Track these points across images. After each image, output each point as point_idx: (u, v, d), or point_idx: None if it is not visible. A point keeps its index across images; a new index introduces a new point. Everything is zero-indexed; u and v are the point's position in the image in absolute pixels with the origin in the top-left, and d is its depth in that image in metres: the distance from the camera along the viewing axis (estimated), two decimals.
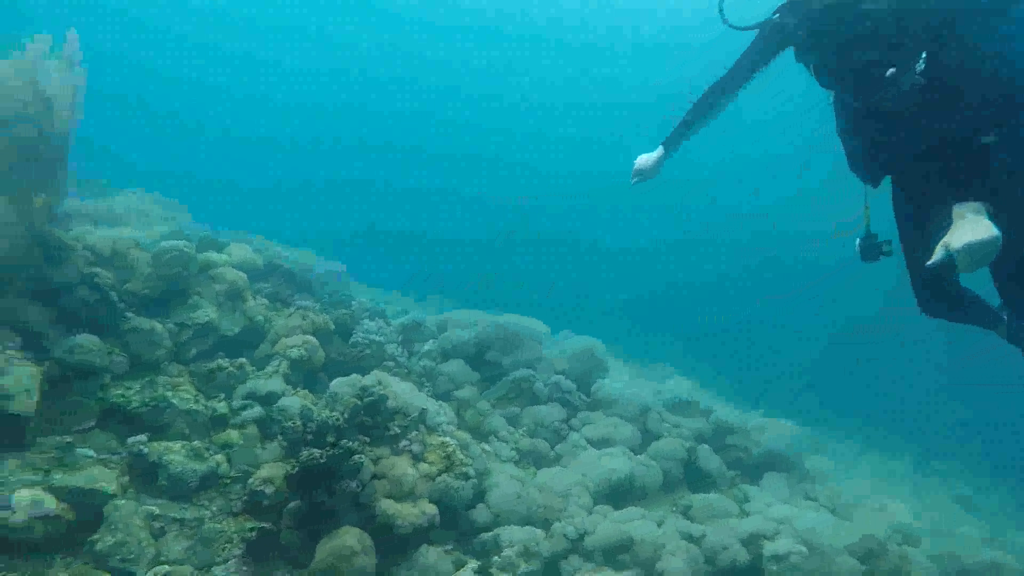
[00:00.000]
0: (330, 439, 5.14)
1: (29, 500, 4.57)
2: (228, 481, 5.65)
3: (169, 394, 5.86)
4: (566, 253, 32.33)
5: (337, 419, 5.13)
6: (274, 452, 5.84)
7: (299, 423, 5.16)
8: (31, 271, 6.09)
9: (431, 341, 8.49)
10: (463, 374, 7.91)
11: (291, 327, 7.45)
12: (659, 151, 4.40)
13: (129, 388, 5.99)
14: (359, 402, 5.38)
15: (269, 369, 6.94)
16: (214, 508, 5.40)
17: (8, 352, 5.12)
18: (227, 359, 6.94)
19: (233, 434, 5.98)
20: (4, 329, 5.63)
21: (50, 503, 4.63)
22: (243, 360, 6.83)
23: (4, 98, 5.46)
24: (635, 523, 5.75)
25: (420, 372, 7.94)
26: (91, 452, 5.31)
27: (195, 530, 5.12)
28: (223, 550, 5.04)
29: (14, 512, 4.48)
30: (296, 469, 5.01)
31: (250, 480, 5.49)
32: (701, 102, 4.23)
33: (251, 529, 5.14)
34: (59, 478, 4.86)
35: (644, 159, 4.38)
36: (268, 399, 6.48)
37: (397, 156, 37.12)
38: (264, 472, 5.49)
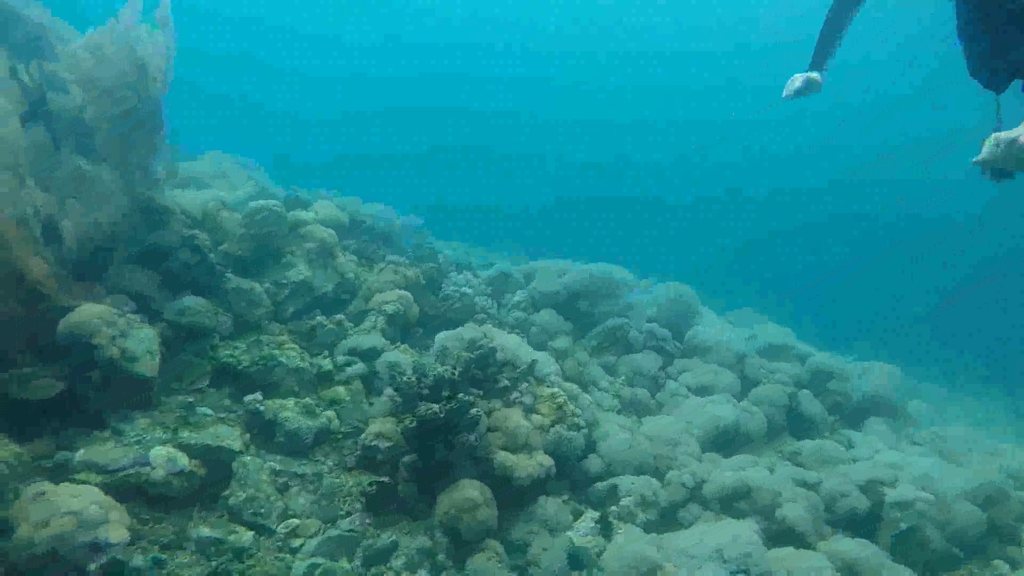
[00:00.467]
0: (445, 393, 5.10)
1: (165, 457, 4.67)
2: (340, 436, 5.69)
3: (276, 352, 5.91)
4: (641, 209, 31.93)
5: (452, 373, 5.08)
6: (382, 407, 5.87)
7: (414, 378, 5.13)
8: (135, 236, 6.16)
9: (520, 292, 8.39)
10: (556, 324, 7.81)
11: (383, 282, 7.43)
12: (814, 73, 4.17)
13: (236, 348, 6.06)
14: (471, 356, 5.31)
15: (366, 325, 6.94)
16: (329, 463, 5.46)
17: (128, 316, 5.19)
18: (324, 316, 6.98)
19: (340, 390, 6.01)
20: (118, 294, 5.73)
21: (183, 460, 4.72)
22: (341, 317, 6.85)
23: (105, 67, 5.44)
24: (749, 471, 5.61)
25: (512, 323, 7.87)
26: (209, 411, 5.40)
27: (315, 485, 5.18)
28: (344, 504, 5.10)
29: (153, 469, 4.59)
30: (413, 424, 4.99)
31: (362, 435, 5.53)
32: (834, 18, 3.98)
33: (370, 484, 5.18)
34: (187, 436, 4.96)
35: (802, 76, 4.15)
36: (369, 355, 6.49)
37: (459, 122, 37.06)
38: (376, 427, 5.51)
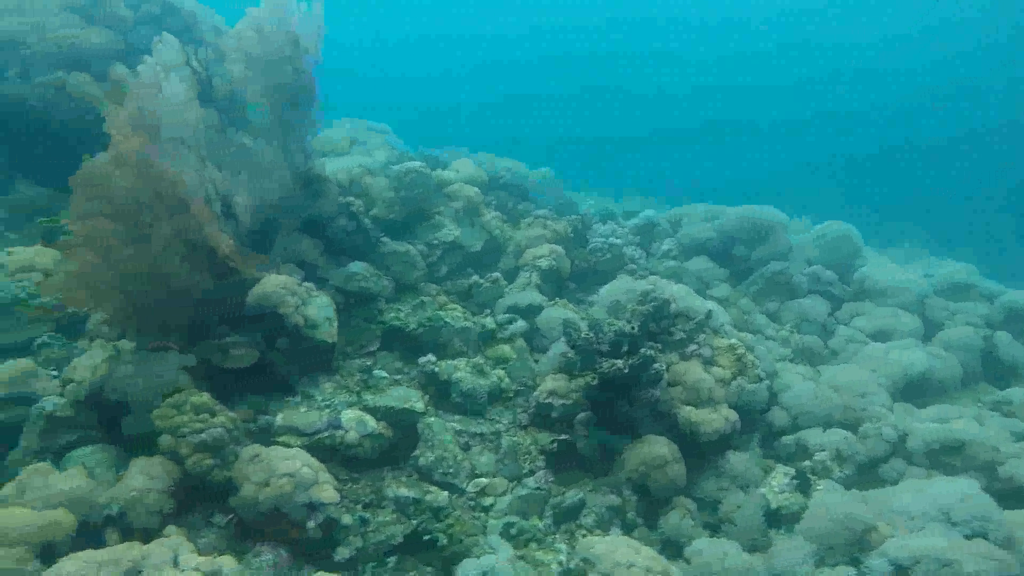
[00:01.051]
0: (624, 349, 4.95)
1: (355, 420, 4.79)
2: (511, 395, 5.68)
3: (442, 314, 5.92)
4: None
5: (631, 328, 4.91)
6: (549, 364, 5.80)
7: (591, 334, 5.00)
8: (296, 207, 6.29)
9: (668, 240, 8.09)
10: (711, 271, 7.49)
11: (532, 237, 7.32)
12: None
13: (400, 310, 6.13)
14: (648, 309, 5.12)
15: (520, 281, 6.87)
16: (504, 422, 5.45)
17: (305, 284, 5.32)
18: (477, 275, 6.96)
19: (506, 349, 5.98)
20: (288, 264, 5.89)
21: (371, 423, 4.83)
22: (497, 275, 6.80)
23: (266, 43, 5.49)
24: (956, 423, 5.18)
25: (664, 273, 7.59)
26: (384, 373, 5.50)
27: (495, 444, 5.19)
28: (527, 462, 5.09)
29: (346, 432, 4.71)
30: (595, 380, 4.88)
31: (535, 393, 5.49)
32: None
33: (552, 442, 5.13)
34: (370, 399, 5.06)
35: None
36: (529, 312, 6.42)
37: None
38: (548, 384, 5.45)
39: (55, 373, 5.00)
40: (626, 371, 4.74)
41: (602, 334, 4.99)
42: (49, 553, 3.71)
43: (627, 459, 4.87)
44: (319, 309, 5.22)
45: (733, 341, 5.40)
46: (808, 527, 4.30)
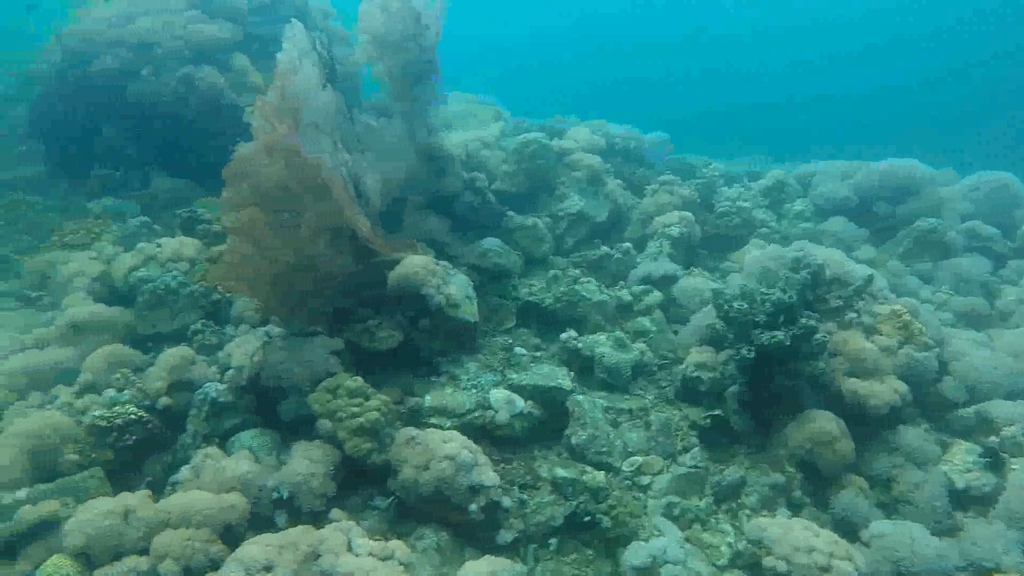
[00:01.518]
0: (781, 319, 4.65)
1: (504, 399, 4.72)
2: (655, 369, 5.48)
3: (578, 287, 5.76)
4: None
5: (790, 297, 4.60)
6: (691, 336, 5.56)
7: (744, 304, 4.73)
8: (422, 184, 6.25)
9: (800, 200, 7.62)
10: (852, 232, 7.00)
11: (660, 204, 7.04)
12: None
13: (533, 285, 6.01)
14: (804, 276, 4.80)
15: (651, 250, 6.63)
16: (650, 397, 5.27)
17: (442, 263, 5.27)
18: (605, 246, 6.76)
19: (644, 321, 5.78)
20: (420, 243, 5.86)
21: (520, 401, 4.75)
22: (627, 245, 6.58)
23: (393, 21, 5.41)
24: None
25: (800, 236, 7.15)
26: (523, 350, 5.40)
27: (644, 420, 5.02)
28: (679, 439, 4.90)
29: (496, 411, 4.65)
30: (752, 353, 4.61)
31: (682, 366, 5.27)
32: None
33: (705, 417, 4.92)
34: (516, 377, 4.98)
35: None
36: (663, 282, 6.18)
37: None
38: (695, 357, 5.22)
39: (211, 359, 5.18)
40: (788, 343, 4.45)
41: (756, 304, 4.70)
42: (228, 535, 3.83)
43: (789, 435, 4.60)
44: (459, 288, 5.16)
45: (897, 307, 4.99)
46: (1010, 511, 3.93)
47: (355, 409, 4.27)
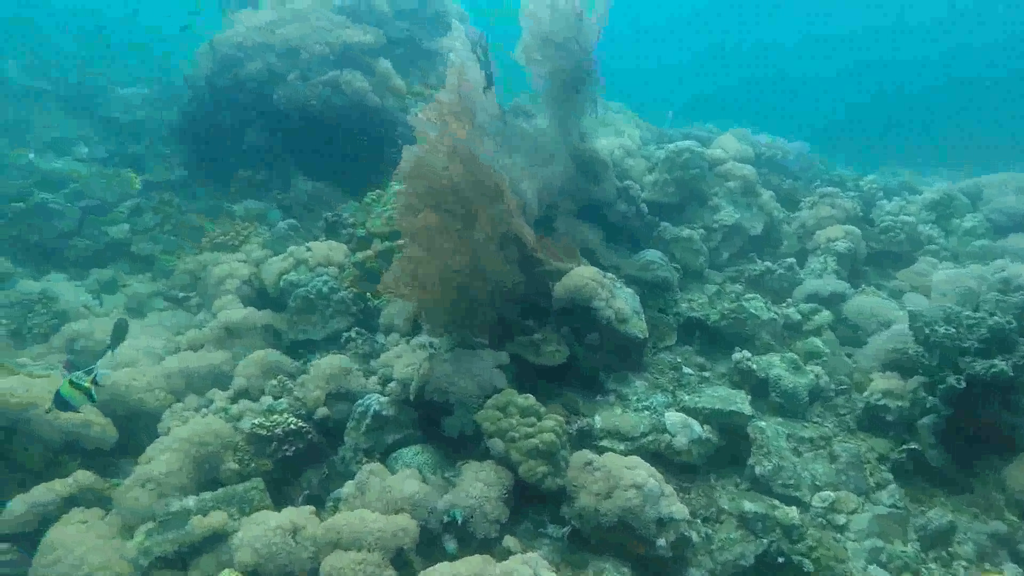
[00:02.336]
0: (993, 347, 4.14)
1: (681, 423, 4.39)
2: (832, 394, 5.03)
3: (745, 304, 5.37)
4: None
5: (1009, 322, 4.10)
6: (872, 359, 5.09)
7: (951, 329, 4.25)
8: (576, 192, 6.00)
9: (970, 215, 6.98)
10: None
11: (820, 217, 6.56)
12: None
13: (693, 300, 5.68)
14: (1021, 299, 4.27)
15: (815, 266, 6.17)
16: (829, 425, 4.83)
17: (608, 275, 5.00)
18: (762, 260, 6.34)
19: (816, 342, 5.34)
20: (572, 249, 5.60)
21: (697, 426, 4.41)
22: (791, 260, 6.14)
23: (558, 21, 5.19)
24: None
25: (975, 254, 6.53)
26: (690, 370, 5.06)
27: (827, 450, 4.59)
28: (870, 473, 4.45)
29: (674, 436, 4.32)
30: (962, 382, 4.12)
31: (865, 393, 4.82)
32: None
33: (900, 451, 4.45)
34: (688, 398, 4.65)
35: None
36: (832, 300, 5.72)
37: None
38: (880, 383, 4.76)
39: (364, 368, 5.06)
40: (1012, 373, 3.95)
41: (964, 329, 4.21)
42: (397, 559, 3.63)
43: (1009, 477, 4.09)
44: (627, 301, 4.87)
45: None
46: None
47: (528, 429, 4.02)
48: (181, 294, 6.72)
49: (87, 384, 3.84)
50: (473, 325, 4.63)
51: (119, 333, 4.88)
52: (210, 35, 8.35)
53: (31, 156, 8.50)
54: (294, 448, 4.33)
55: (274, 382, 4.91)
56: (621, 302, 4.81)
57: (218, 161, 8.13)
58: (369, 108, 7.26)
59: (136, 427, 4.79)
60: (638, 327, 4.81)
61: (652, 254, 5.59)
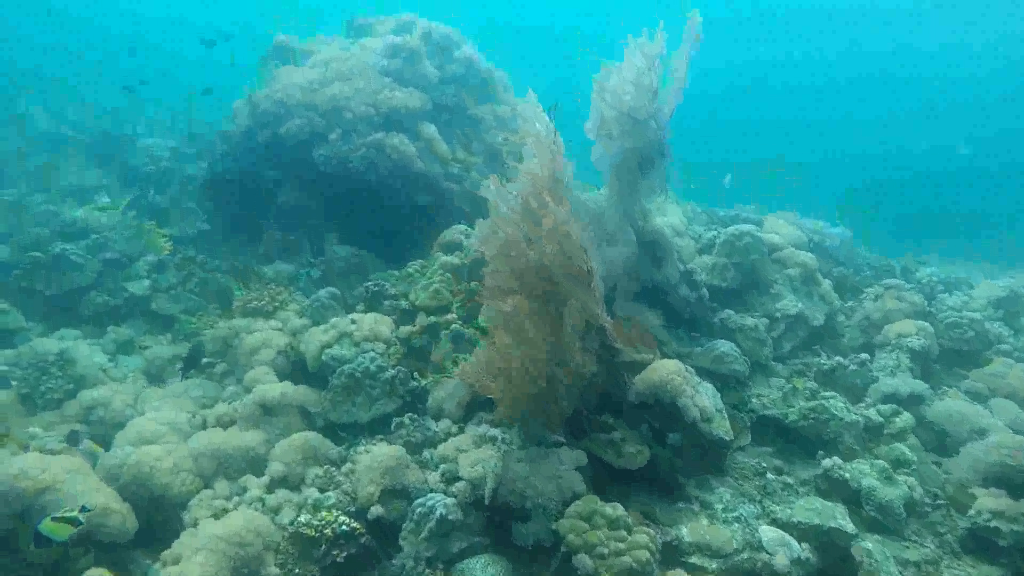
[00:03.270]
0: None
1: (778, 540, 3.95)
2: (928, 509, 4.61)
3: (827, 403, 4.99)
4: None
5: None
6: (969, 471, 4.71)
7: None
8: (638, 273, 5.68)
9: None
10: None
11: (886, 311, 6.26)
12: None
13: (763, 395, 5.29)
14: None
15: (887, 363, 5.83)
16: (931, 545, 4.39)
17: (686, 374, 4.61)
18: (835, 355, 6.01)
19: (902, 448, 4.94)
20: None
21: (794, 543, 3.96)
22: (865, 356, 5.80)
23: (640, 96, 4.96)
24: None
25: None
26: (772, 475, 4.64)
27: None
28: None
29: (772, 555, 3.87)
30: None
31: (970, 512, 4.41)
32: None
33: None
34: (778, 510, 4.22)
35: None
36: (911, 401, 5.36)
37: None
38: (989, 503, 4.35)
39: (417, 459, 4.59)
40: None
41: None
42: None
43: None
44: (709, 398, 4.48)
45: None
46: None
47: (619, 545, 3.58)
48: (204, 359, 6.25)
49: (74, 513, 3.45)
50: (549, 418, 4.21)
51: (195, 355, 4.41)
52: (231, 94, 8.16)
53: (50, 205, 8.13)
54: (345, 553, 3.82)
55: (319, 471, 4.43)
56: (705, 399, 4.42)
57: (247, 218, 7.77)
58: (413, 173, 6.97)
59: (159, 514, 4.28)
60: (723, 428, 4.41)
61: (725, 345, 5.22)
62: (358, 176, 6.91)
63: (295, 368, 5.55)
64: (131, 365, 6.29)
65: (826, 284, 6.56)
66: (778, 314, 6.09)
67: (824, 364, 5.70)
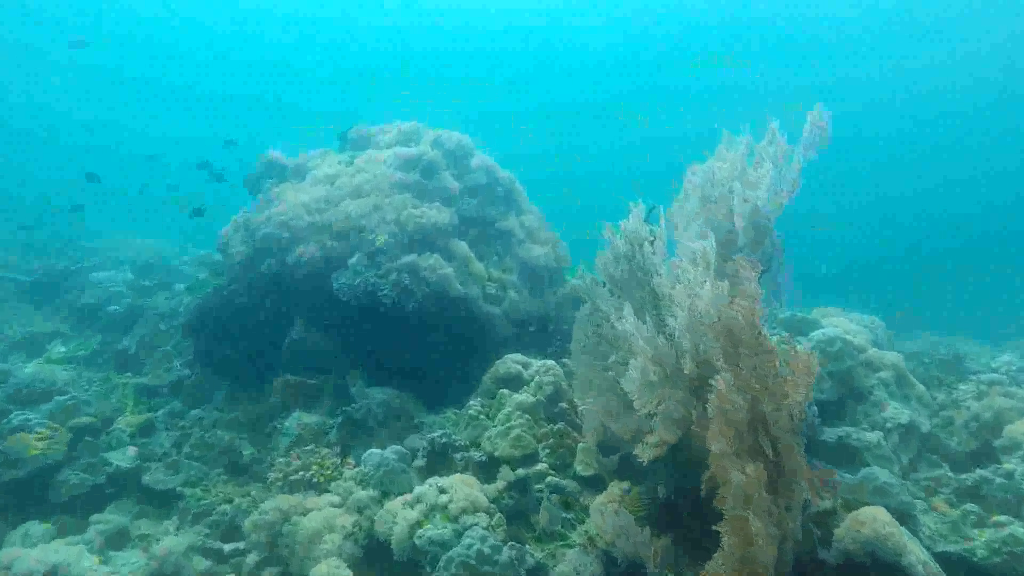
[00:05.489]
0: None
1: None
2: None
3: (1017, 532, 4.33)
4: None
5: None
6: None
7: None
8: None
9: None
10: None
11: (998, 411, 5.79)
12: None
13: (926, 526, 4.61)
14: None
15: (1016, 470, 5.29)
16: None
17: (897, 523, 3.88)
18: (943, 464, 5.44)
19: None
20: None
21: None
22: (1013, 467, 5.24)
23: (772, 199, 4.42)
24: None
25: None
26: None
27: None
28: None
29: None
30: None
31: None
32: None
33: None
34: None
35: None
36: None
37: None
38: None
39: None
40: None
41: None
42: None
43: None
44: (922, 549, 3.74)
45: None
46: None
47: None
48: (227, 547, 5.03)
49: None
50: None
51: None
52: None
53: None
54: None
55: None
56: (922, 551, 3.68)
57: (246, 362, 6.62)
58: (451, 298, 6.12)
59: None
60: None
61: (883, 474, 4.54)
62: (389, 304, 5.99)
63: (367, 553, 4.45)
64: (129, 566, 4.97)
65: (920, 386, 6.08)
66: (889, 424, 5.50)
67: (966, 479, 5.11)
